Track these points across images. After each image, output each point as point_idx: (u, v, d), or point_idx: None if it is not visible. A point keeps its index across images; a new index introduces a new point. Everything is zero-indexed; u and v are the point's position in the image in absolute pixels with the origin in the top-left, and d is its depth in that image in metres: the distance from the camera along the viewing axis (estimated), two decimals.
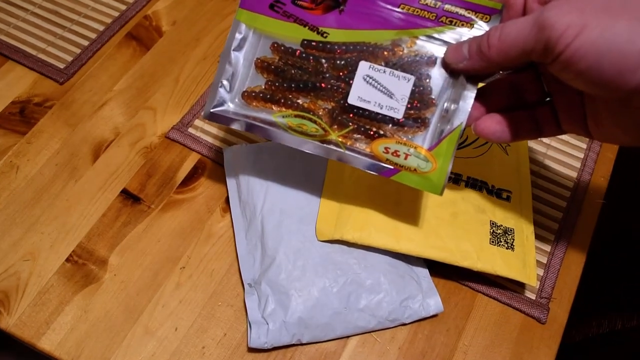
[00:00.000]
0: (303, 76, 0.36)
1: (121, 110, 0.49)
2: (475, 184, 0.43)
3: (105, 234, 0.42)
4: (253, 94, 0.37)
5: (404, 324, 0.40)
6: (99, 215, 0.43)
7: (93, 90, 0.50)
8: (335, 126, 0.36)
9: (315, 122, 0.36)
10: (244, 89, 0.37)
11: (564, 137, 0.50)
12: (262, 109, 0.37)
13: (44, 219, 0.43)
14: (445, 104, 0.35)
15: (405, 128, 0.35)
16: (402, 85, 0.34)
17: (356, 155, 0.35)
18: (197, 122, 0.48)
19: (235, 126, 0.37)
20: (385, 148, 0.35)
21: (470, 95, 0.34)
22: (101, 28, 0.53)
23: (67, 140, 0.46)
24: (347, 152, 0.36)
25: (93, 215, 0.43)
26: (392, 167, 0.35)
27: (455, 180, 0.43)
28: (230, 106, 0.37)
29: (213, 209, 0.44)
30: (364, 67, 0.35)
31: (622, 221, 0.71)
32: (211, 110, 0.37)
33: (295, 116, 0.36)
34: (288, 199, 0.42)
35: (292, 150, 0.42)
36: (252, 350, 0.38)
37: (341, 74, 0.35)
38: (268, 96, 0.37)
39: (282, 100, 0.36)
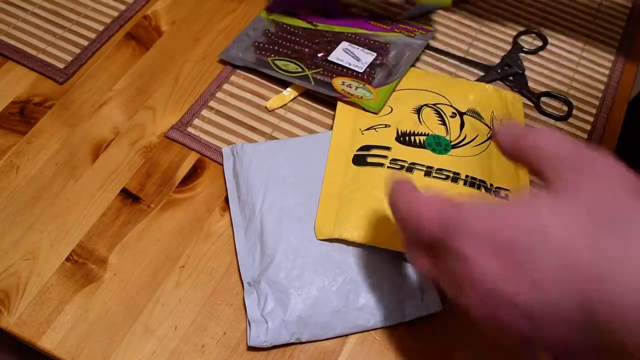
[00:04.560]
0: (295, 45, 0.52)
1: (121, 110, 0.49)
2: (474, 183, 0.43)
3: (105, 234, 0.42)
4: (261, 44, 0.52)
5: (403, 323, 0.40)
6: (98, 215, 0.43)
7: (92, 90, 0.50)
8: (312, 67, 0.50)
9: (297, 64, 0.50)
10: (255, 41, 0.52)
11: None
12: (262, 59, 0.51)
13: (44, 219, 0.43)
14: (392, 68, 0.51)
15: (360, 78, 0.50)
16: (366, 57, 0.51)
17: (320, 86, 0.49)
18: (197, 122, 0.48)
19: (239, 63, 0.51)
20: (342, 82, 0.49)
21: (407, 63, 0.51)
22: (100, 28, 0.53)
23: (66, 140, 0.47)
24: (314, 83, 0.49)
25: (93, 215, 0.43)
26: (345, 95, 0.48)
27: (454, 179, 0.43)
28: (241, 55, 0.52)
29: (212, 208, 0.44)
30: (344, 44, 0.52)
31: None
32: (228, 54, 0.52)
33: (283, 60, 0.51)
34: (287, 198, 0.42)
35: (292, 150, 0.44)
36: (251, 348, 0.38)
37: (328, 47, 0.51)
38: (271, 47, 0.52)
39: (280, 49, 0.51)
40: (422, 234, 0.28)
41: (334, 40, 0.52)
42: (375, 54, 0.51)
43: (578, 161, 0.26)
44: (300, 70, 0.50)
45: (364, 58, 0.50)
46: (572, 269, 0.23)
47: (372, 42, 0.52)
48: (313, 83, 0.49)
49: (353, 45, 0.51)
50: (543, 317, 0.24)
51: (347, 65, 0.50)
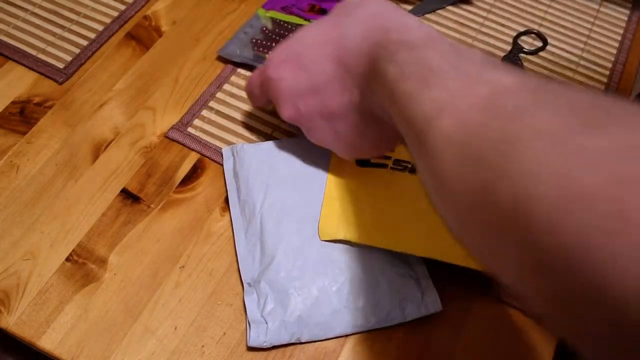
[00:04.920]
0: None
1: (121, 110, 0.49)
2: None
3: (105, 234, 0.42)
4: (259, 41, 0.53)
5: (403, 323, 0.40)
6: (98, 215, 0.43)
7: (93, 90, 0.50)
8: None
9: None
10: (253, 38, 0.53)
11: None
12: (260, 55, 0.52)
13: (44, 219, 0.43)
14: None
15: None
16: None
17: None
18: (197, 122, 0.48)
19: (237, 59, 0.52)
20: None
21: None
22: (100, 28, 0.53)
23: (67, 140, 0.47)
24: None
25: (93, 215, 0.43)
26: None
27: None
28: (239, 52, 0.52)
29: (212, 209, 0.44)
30: None
31: None
32: (226, 51, 0.52)
33: None
34: (287, 198, 0.42)
35: (292, 150, 0.44)
36: (251, 349, 0.38)
37: None
38: (269, 43, 0.52)
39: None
40: (252, 85, 0.43)
41: None
42: None
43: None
44: None
45: None
46: (326, 43, 0.37)
47: None
48: None
49: None
50: (324, 89, 0.37)
51: None
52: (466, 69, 0.27)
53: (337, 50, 0.36)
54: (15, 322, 0.38)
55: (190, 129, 0.48)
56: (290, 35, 0.50)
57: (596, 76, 0.55)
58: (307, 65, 0.38)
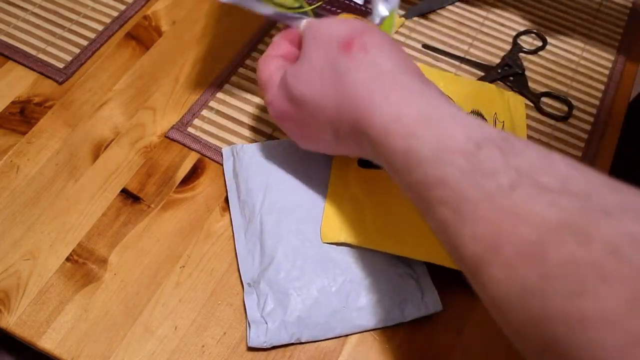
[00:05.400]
0: None
1: (121, 110, 0.49)
2: None
3: (105, 234, 0.42)
4: None
5: (403, 323, 0.40)
6: (98, 215, 0.43)
7: (93, 90, 0.50)
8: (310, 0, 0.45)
9: None
10: None
11: (561, 136, 0.50)
12: None
13: (44, 219, 0.43)
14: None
15: (360, 13, 0.46)
16: None
17: None
18: (197, 122, 0.48)
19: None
20: None
21: None
22: (100, 28, 0.53)
23: (67, 140, 0.47)
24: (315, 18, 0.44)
25: (93, 215, 0.43)
26: None
27: None
28: None
29: (212, 208, 0.44)
30: None
31: None
32: None
33: None
34: (287, 198, 0.42)
35: (292, 150, 0.44)
36: (251, 348, 0.38)
37: None
38: None
39: None
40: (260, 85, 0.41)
41: None
42: None
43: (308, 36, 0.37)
44: (297, 4, 0.44)
45: None
46: (326, 107, 0.35)
47: None
48: (314, 17, 0.44)
49: None
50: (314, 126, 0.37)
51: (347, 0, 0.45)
52: (500, 200, 0.25)
53: (336, 120, 0.34)
54: (16, 322, 0.38)
55: (190, 129, 0.48)
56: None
57: (596, 76, 0.55)
58: (305, 121, 0.37)
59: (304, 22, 0.40)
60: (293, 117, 0.37)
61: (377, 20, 0.46)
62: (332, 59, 0.34)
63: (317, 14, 0.44)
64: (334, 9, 0.45)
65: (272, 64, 0.40)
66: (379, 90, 0.32)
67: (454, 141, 0.27)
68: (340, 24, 0.36)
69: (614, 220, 0.22)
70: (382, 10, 0.46)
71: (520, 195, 0.24)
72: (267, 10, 0.43)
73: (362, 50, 0.34)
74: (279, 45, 0.41)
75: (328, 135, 0.36)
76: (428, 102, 0.30)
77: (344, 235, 0.40)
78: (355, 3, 0.46)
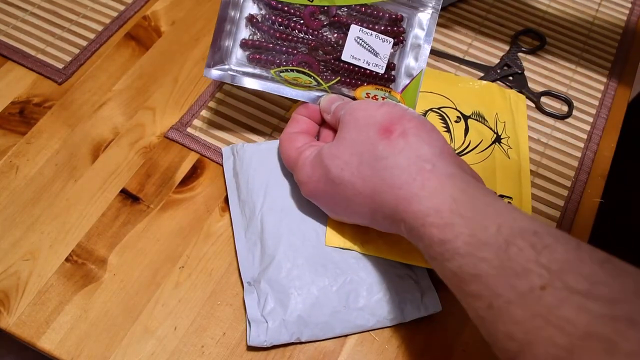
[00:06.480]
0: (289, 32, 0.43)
1: (120, 110, 0.49)
2: None
3: (105, 234, 0.42)
4: (250, 42, 0.43)
5: (403, 323, 0.40)
6: (98, 215, 0.43)
7: (92, 90, 0.50)
8: (327, 74, 0.43)
9: (309, 75, 0.42)
10: (242, 39, 0.43)
11: (561, 136, 0.50)
12: (259, 66, 0.43)
13: (43, 219, 0.43)
14: (410, 51, 0.45)
15: (381, 81, 0.44)
16: (383, 47, 0.43)
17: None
18: (196, 122, 0.48)
19: (236, 82, 0.43)
20: (367, 93, 0.43)
21: (425, 54, 0.44)
22: (100, 28, 0.53)
23: (66, 140, 0.47)
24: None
25: (92, 215, 0.43)
26: None
27: None
28: (231, 61, 0.43)
29: (212, 209, 0.44)
30: (354, 30, 0.42)
31: (620, 219, 0.71)
32: (212, 69, 0.42)
33: (291, 71, 0.42)
34: (288, 198, 0.42)
35: None
36: (251, 348, 0.38)
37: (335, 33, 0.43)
38: (265, 43, 0.43)
39: (278, 47, 0.42)
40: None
41: (338, 23, 0.43)
42: (392, 41, 0.43)
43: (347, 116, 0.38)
44: (314, 81, 0.43)
45: (381, 50, 0.43)
46: (362, 192, 0.36)
47: (382, 15, 0.43)
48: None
49: (365, 32, 0.42)
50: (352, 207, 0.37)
51: (365, 66, 0.43)
52: (532, 303, 0.26)
53: (373, 204, 0.35)
54: (15, 323, 0.38)
55: (189, 129, 0.48)
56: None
57: (595, 76, 0.55)
58: (341, 199, 0.37)
59: (324, 99, 0.42)
60: (328, 195, 0.38)
61: (401, 88, 0.44)
62: (371, 143, 0.35)
63: (333, 89, 0.43)
64: (354, 81, 0.43)
65: (297, 141, 0.41)
66: (418, 178, 0.33)
67: (486, 233, 0.29)
68: (379, 108, 0.37)
69: (638, 330, 0.23)
70: (411, 71, 0.44)
71: (551, 298, 0.25)
72: (286, 91, 0.43)
73: (401, 136, 0.35)
74: (298, 121, 0.42)
75: (364, 213, 0.36)
76: (463, 189, 0.32)
77: (349, 244, 0.40)
78: (377, 73, 0.43)
